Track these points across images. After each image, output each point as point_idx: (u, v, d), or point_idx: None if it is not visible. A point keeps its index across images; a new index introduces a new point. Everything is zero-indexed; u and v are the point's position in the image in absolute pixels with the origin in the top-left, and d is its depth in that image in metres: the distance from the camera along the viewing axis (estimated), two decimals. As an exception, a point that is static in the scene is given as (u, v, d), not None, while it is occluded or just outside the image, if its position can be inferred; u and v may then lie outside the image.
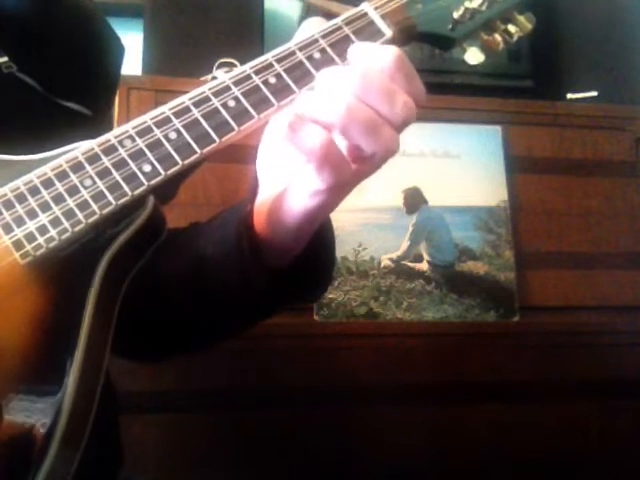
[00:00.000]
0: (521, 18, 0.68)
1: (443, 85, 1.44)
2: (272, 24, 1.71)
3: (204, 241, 0.66)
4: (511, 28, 0.68)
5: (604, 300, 1.23)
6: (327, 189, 0.54)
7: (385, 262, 1.17)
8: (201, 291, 0.66)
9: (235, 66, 1.40)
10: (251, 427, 1.05)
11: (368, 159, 0.54)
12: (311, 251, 0.62)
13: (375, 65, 0.55)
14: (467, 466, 1.11)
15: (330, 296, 1.12)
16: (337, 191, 0.55)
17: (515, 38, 0.68)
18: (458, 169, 1.24)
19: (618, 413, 1.15)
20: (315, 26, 0.61)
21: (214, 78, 1.44)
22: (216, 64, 1.42)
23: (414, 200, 1.21)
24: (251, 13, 1.63)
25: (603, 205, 1.29)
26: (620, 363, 1.17)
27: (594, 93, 1.54)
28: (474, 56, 0.67)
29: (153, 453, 1.00)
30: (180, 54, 1.53)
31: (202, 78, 1.37)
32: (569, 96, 1.56)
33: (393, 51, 0.55)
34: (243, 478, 1.06)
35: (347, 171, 0.54)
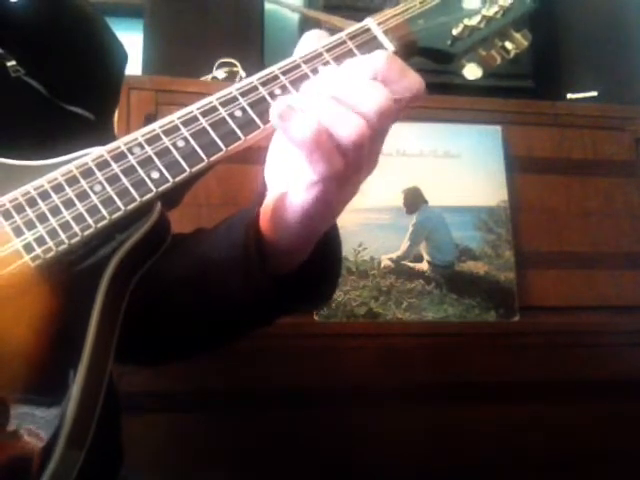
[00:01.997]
0: (517, 35, 0.72)
1: (443, 85, 1.43)
2: (272, 24, 1.71)
3: (210, 246, 0.66)
4: (508, 45, 0.72)
5: (604, 300, 1.23)
6: (320, 180, 0.55)
7: (385, 262, 1.17)
8: (205, 296, 0.66)
9: (235, 66, 1.40)
10: (251, 427, 1.05)
11: (346, 153, 0.55)
12: (317, 258, 0.63)
13: (364, 66, 0.56)
14: (467, 466, 1.11)
15: (330, 296, 1.12)
16: (330, 183, 0.55)
17: (512, 54, 0.72)
18: (458, 169, 1.24)
19: (618, 413, 1.15)
20: (315, 39, 0.63)
21: (214, 78, 1.44)
22: (216, 64, 1.42)
23: (414, 200, 1.21)
24: (251, 13, 1.63)
25: (603, 205, 1.29)
26: (620, 363, 1.17)
27: (594, 93, 1.54)
28: (472, 71, 0.71)
29: (153, 453, 1.00)
30: (180, 54, 1.53)
31: (202, 78, 1.38)
32: (569, 96, 1.56)
33: (382, 53, 0.58)
34: (243, 478, 1.06)
35: (337, 161, 0.54)
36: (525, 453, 1.13)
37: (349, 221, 1.14)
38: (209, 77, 1.39)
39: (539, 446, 1.13)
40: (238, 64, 1.40)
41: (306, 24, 1.49)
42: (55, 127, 0.68)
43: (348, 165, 0.55)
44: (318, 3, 1.58)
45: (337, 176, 0.55)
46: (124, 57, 0.81)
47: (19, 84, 0.68)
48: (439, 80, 1.43)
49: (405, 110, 0.58)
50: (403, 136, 1.21)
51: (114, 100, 0.83)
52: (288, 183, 0.58)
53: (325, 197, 0.56)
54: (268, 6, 1.69)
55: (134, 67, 1.50)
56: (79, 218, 0.54)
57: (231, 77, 1.37)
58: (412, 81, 0.57)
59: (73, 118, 0.71)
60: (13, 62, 0.68)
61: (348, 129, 0.53)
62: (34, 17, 0.73)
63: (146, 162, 0.56)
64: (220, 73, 1.40)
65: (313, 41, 0.62)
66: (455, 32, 0.68)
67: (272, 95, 0.59)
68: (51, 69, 0.71)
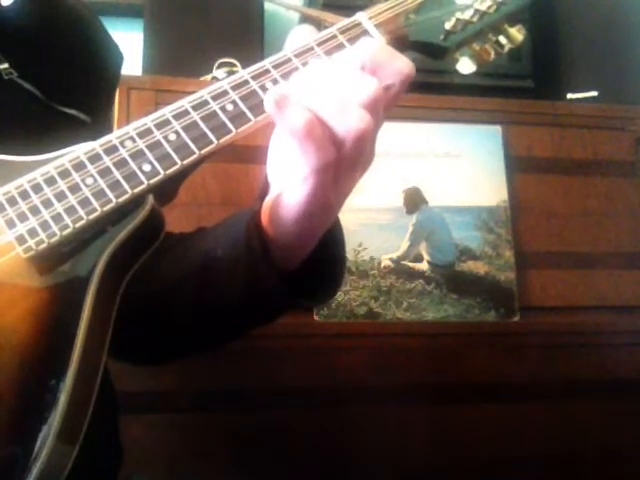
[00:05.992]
0: (512, 30, 0.71)
1: (443, 85, 1.43)
2: (272, 24, 1.71)
3: (213, 243, 0.66)
4: (502, 39, 0.71)
5: (604, 300, 1.23)
6: (313, 171, 0.54)
7: (385, 262, 1.17)
8: (208, 293, 0.66)
9: (235, 66, 1.40)
10: (251, 427, 1.05)
11: (341, 142, 0.54)
12: (319, 255, 0.62)
13: (352, 55, 0.56)
14: (467, 466, 1.11)
15: (330, 296, 1.12)
16: (323, 175, 0.54)
17: (506, 49, 0.71)
18: (458, 169, 1.24)
19: (618, 413, 1.15)
20: (305, 34, 0.63)
21: (214, 78, 1.44)
22: (216, 64, 1.42)
23: (414, 200, 1.21)
24: (251, 13, 1.64)
25: (603, 205, 1.29)
26: (620, 363, 1.17)
27: (594, 93, 1.54)
28: (466, 66, 0.70)
29: (153, 453, 1.01)
30: (180, 54, 1.54)
31: (202, 78, 1.38)
32: (569, 96, 1.56)
33: (368, 40, 0.58)
34: (243, 478, 1.06)
35: (329, 152, 0.54)
36: (525, 453, 1.13)
37: (349, 221, 1.14)
38: (209, 77, 1.39)
39: (539, 446, 1.13)
40: (238, 64, 1.40)
41: (306, 23, 1.49)
42: (50, 129, 0.68)
43: (343, 158, 0.54)
44: (317, 3, 1.58)
45: (329, 168, 0.54)
46: (119, 58, 0.81)
47: (12, 86, 0.69)
48: (439, 80, 1.43)
49: (398, 99, 0.57)
50: (403, 136, 1.21)
51: (109, 101, 0.83)
52: (286, 180, 0.58)
53: (319, 191, 0.56)
54: (268, 6, 1.69)
55: (134, 67, 1.50)
56: (71, 210, 0.55)
57: (231, 77, 1.37)
58: (402, 64, 0.56)
59: (68, 120, 0.71)
60: (6, 65, 0.69)
61: (348, 123, 0.53)
62: (27, 20, 0.73)
63: (138, 155, 0.57)
64: (220, 73, 1.40)
65: (302, 37, 0.62)
66: (448, 26, 0.67)
67: (263, 88, 0.59)
68: (45, 71, 0.71)
